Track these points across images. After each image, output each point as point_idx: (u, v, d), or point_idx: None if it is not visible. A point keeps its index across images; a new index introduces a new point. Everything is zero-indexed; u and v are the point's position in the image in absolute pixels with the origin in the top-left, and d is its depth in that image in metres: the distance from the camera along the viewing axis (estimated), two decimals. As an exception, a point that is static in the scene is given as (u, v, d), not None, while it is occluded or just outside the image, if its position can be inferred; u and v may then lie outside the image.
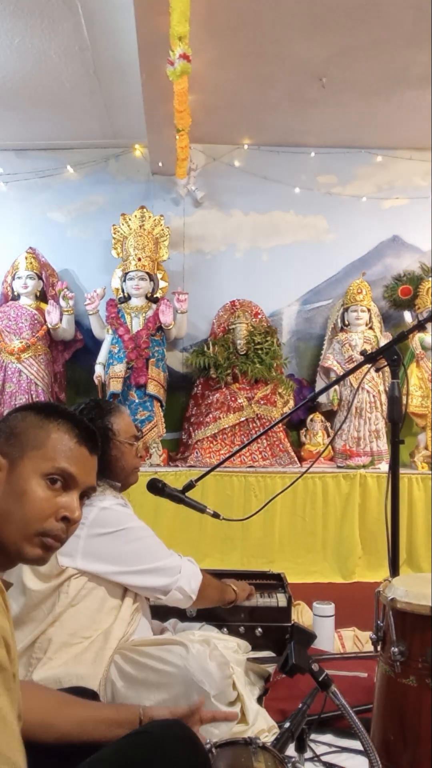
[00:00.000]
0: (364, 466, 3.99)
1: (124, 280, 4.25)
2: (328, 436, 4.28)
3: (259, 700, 1.83)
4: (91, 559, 1.62)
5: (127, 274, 4.22)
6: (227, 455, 2.34)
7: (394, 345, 1.98)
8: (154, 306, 4.24)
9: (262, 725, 1.62)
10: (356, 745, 1.47)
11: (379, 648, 1.47)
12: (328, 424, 4.35)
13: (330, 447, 4.16)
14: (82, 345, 4.46)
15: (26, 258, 4.28)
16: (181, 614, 2.11)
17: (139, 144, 4.55)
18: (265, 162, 4.58)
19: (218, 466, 2.36)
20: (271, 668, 2.03)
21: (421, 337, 4.23)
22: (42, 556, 0.99)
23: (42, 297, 4.35)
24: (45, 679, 1.48)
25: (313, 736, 1.62)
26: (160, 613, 2.03)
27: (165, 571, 1.71)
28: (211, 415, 4.16)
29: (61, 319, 4.20)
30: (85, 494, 1.07)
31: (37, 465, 1.00)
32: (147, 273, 4.22)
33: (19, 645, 1.53)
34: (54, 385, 4.29)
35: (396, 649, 1.37)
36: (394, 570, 1.88)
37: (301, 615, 2.64)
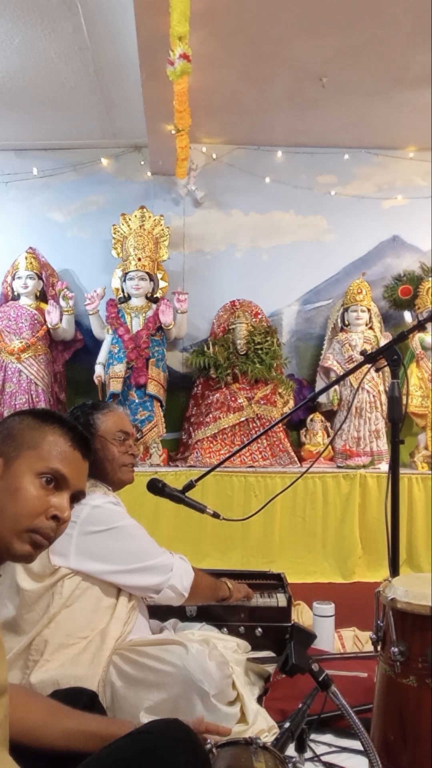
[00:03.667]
0: (364, 466, 3.99)
1: (124, 280, 4.25)
2: (328, 436, 4.27)
3: (259, 700, 1.83)
4: (84, 558, 1.62)
5: (127, 274, 4.22)
6: (227, 455, 2.34)
7: (394, 345, 1.98)
8: (154, 306, 4.24)
9: (262, 725, 1.62)
10: (356, 745, 1.47)
11: (379, 648, 1.47)
12: (328, 424, 4.35)
13: (330, 447, 4.16)
14: (82, 345, 4.46)
15: (26, 258, 4.28)
16: (181, 614, 2.11)
17: (139, 144, 4.55)
18: (265, 162, 4.58)
19: (218, 466, 2.36)
20: (271, 668, 2.02)
21: (421, 337, 4.23)
22: (30, 553, 1.02)
23: (42, 297, 4.35)
24: (43, 682, 1.48)
25: (313, 736, 1.61)
26: (160, 612, 2.02)
27: (157, 569, 1.71)
28: (211, 415, 4.16)
29: (61, 319, 4.20)
30: (75, 498, 1.10)
31: (31, 464, 1.04)
32: (147, 273, 4.22)
33: (15, 647, 1.53)
34: (54, 385, 4.29)
35: (396, 649, 1.36)
36: (394, 570, 1.88)
37: (301, 615, 2.64)
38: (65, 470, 1.06)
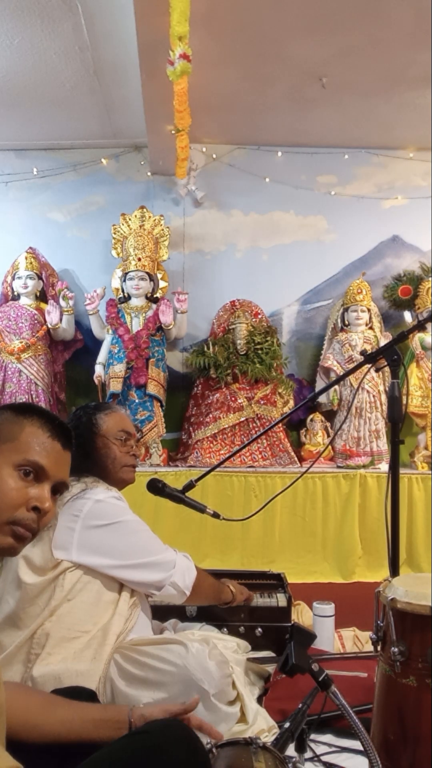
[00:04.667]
0: (364, 466, 3.99)
1: (124, 280, 4.25)
2: (328, 436, 4.27)
3: (259, 700, 1.83)
4: (86, 552, 1.62)
5: (127, 274, 4.22)
6: (227, 455, 2.34)
7: (394, 345, 1.98)
8: (154, 306, 4.24)
9: (262, 725, 1.62)
10: (356, 745, 1.47)
11: (379, 648, 1.47)
12: (328, 424, 4.35)
13: (330, 447, 4.16)
14: (82, 345, 4.46)
15: (26, 258, 4.28)
16: (181, 614, 2.11)
17: (139, 144, 4.55)
18: (265, 162, 4.58)
19: (218, 466, 2.36)
20: (271, 668, 2.02)
21: (421, 337, 4.23)
22: (13, 546, 1.03)
23: (42, 297, 4.35)
24: (44, 676, 1.48)
25: (313, 736, 1.61)
26: (160, 613, 2.03)
27: (160, 565, 1.71)
28: (211, 415, 4.16)
29: (61, 319, 4.20)
30: (57, 489, 1.11)
31: (9, 457, 1.05)
32: (147, 273, 4.22)
33: (16, 640, 1.53)
34: (54, 385, 4.29)
35: (396, 649, 1.36)
36: (394, 570, 1.88)
37: (301, 615, 2.64)
38: (44, 461, 1.07)
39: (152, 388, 4.06)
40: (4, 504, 1.02)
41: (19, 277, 4.25)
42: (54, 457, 1.09)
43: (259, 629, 2.17)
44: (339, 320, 4.39)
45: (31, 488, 1.05)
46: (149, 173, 4.60)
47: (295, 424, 4.44)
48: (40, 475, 1.07)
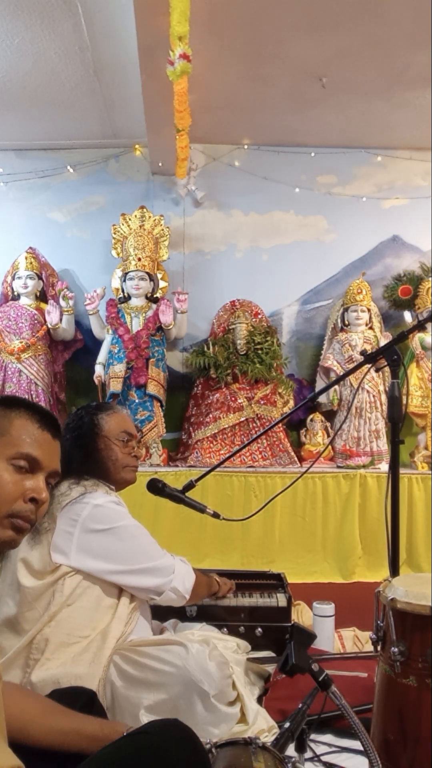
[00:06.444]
0: (364, 466, 3.99)
1: (124, 280, 4.25)
2: (328, 436, 4.27)
3: (259, 700, 1.83)
4: (85, 556, 1.62)
5: (127, 274, 4.22)
6: (227, 455, 2.34)
7: (394, 345, 1.98)
8: (154, 306, 4.24)
9: (262, 725, 1.62)
10: (356, 745, 1.47)
11: (379, 648, 1.47)
12: (328, 424, 4.35)
13: (330, 447, 4.16)
14: (82, 345, 4.46)
15: (26, 258, 4.28)
16: (181, 614, 2.12)
17: (139, 144, 4.55)
18: (265, 162, 4.58)
19: (218, 466, 2.36)
20: (271, 668, 2.02)
21: (421, 337, 4.23)
22: (14, 538, 1.04)
23: (42, 297, 4.35)
24: (43, 680, 1.48)
25: (313, 736, 1.61)
26: (160, 613, 2.02)
27: (159, 571, 1.71)
28: (211, 415, 4.16)
29: (61, 319, 4.20)
30: (50, 478, 1.12)
31: (1, 451, 1.06)
32: (147, 273, 4.22)
33: (15, 645, 1.53)
34: (54, 385, 4.29)
35: (396, 649, 1.36)
36: (394, 570, 1.88)
37: (301, 615, 2.64)
38: (36, 453, 1.08)
39: (152, 388, 4.06)
40: (2, 498, 1.03)
41: (19, 277, 4.25)
42: (46, 447, 1.10)
43: (259, 629, 2.17)
44: (339, 320, 4.39)
45: (27, 480, 1.07)
46: (149, 173, 4.59)
47: (295, 424, 4.44)
48: (34, 467, 1.08)
